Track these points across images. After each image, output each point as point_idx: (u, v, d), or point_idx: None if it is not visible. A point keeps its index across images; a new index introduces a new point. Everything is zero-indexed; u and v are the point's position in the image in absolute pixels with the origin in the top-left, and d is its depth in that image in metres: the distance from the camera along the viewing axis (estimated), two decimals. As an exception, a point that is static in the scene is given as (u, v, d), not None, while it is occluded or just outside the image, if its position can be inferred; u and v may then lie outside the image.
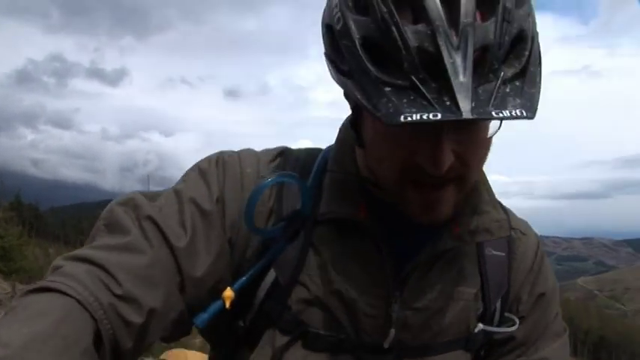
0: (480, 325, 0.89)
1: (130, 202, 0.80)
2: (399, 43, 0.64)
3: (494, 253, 0.91)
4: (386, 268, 0.83)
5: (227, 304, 0.81)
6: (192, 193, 0.83)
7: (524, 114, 0.62)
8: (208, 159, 0.89)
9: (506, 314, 0.93)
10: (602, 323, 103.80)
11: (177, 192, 0.84)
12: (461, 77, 0.62)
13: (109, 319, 0.69)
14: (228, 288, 0.81)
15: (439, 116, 0.61)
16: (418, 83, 0.63)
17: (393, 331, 0.84)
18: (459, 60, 0.62)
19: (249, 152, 0.92)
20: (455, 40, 0.63)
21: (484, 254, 0.91)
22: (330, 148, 0.92)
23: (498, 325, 0.92)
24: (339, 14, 0.70)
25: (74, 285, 0.68)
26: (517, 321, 0.92)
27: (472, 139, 0.74)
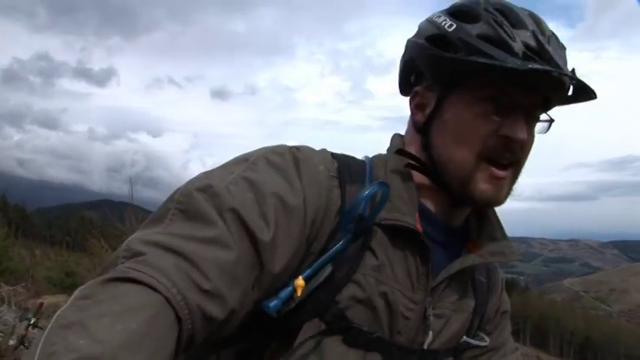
0: (465, 337, 1.01)
1: (209, 190, 0.77)
2: (508, 38, 0.86)
3: (480, 278, 1.05)
4: (429, 276, 0.92)
5: (299, 293, 0.82)
6: (273, 186, 0.82)
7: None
8: (277, 152, 0.88)
9: (479, 332, 1.06)
10: (587, 324, 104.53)
11: (250, 181, 0.81)
12: (558, 60, 0.87)
13: (192, 319, 0.68)
14: (300, 277, 0.83)
15: (557, 71, 0.86)
16: (531, 55, 0.86)
17: (431, 334, 0.93)
18: (554, 53, 0.88)
19: (311, 150, 0.93)
20: (547, 41, 0.88)
21: (475, 278, 1.04)
22: (373, 157, 1.00)
23: (474, 339, 1.04)
24: (449, 22, 0.91)
25: (164, 281, 0.66)
26: (487, 339, 1.05)
27: (532, 131, 0.93)
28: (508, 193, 0.94)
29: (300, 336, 0.86)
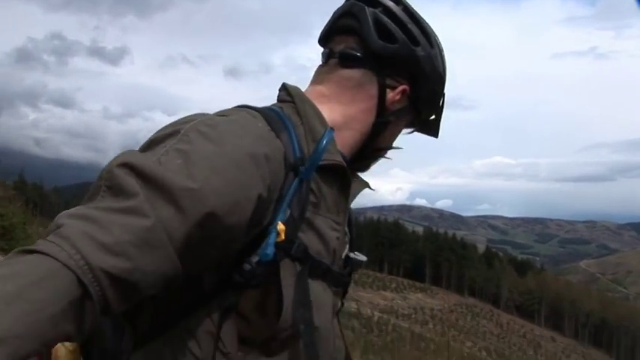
0: (351, 254, 1.14)
1: (130, 164, 0.79)
2: None
3: None
4: (347, 201, 1.06)
5: (282, 236, 0.88)
6: (204, 151, 0.84)
7: None
8: (207, 123, 0.89)
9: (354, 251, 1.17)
10: (603, 306, 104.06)
11: (180, 151, 0.83)
12: None
13: (97, 281, 0.71)
14: (279, 222, 0.89)
15: None
16: None
17: (347, 246, 1.11)
18: None
19: (239, 110, 0.97)
20: None
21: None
22: (275, 105, 1.05)
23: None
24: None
25: (67, 248, 0.70)
26: (364, 256, 1.16)
27: None
28: None
29: (283, 278, 0.91)
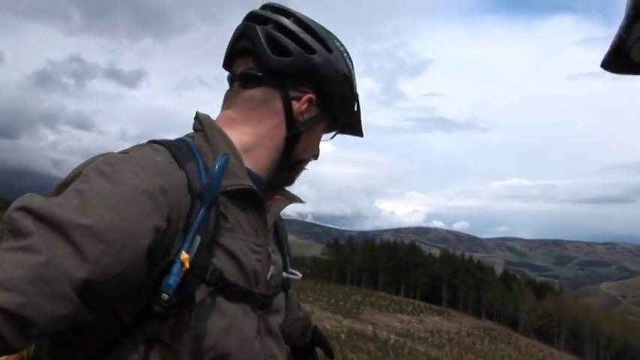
0: (284, 273, 1.16)
1: (27, 207, 0.81)
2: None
3: (278, 221, 1.20)
4: (266, 223, 1.07)
5: (187, 265, 0.89)
6: (100, 189, 0.85)
7: None
8: (107, 162, 0.91)
9: (289, 269, 1.20)
10: (625, 330, 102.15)
11: (78, 191, 0.85)
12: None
13: None
14: (183, 251, 0.90)
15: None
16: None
17: (272, 267, 1.09)
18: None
19: (140, 147, 0.98)
20: None
21: (277, 220, 1.18)
22: (188, 135, 1.09)
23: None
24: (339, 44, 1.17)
25: None
26: (299, 273, 1.21)
27: None
28: None
29: (197, 304, 0.92)
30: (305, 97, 1.09)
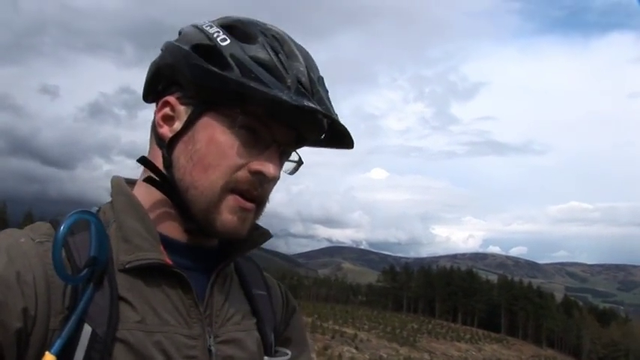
0: (266, 358, 0.94)
1: None
2: (282, 68, 0.82)
3: (259, 292, 1.00)
4: (198, 305, 0.85)
5: None
6: None
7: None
8: None
9: (279, 348, 1.00)
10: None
11: None
12: (327, 102, 0.85)
13: None
14: (47, 353, 0.73)
15: (324, 112, 0.83)
16: (303, 91, 0.82)
17: (278, 349, 0.98)
18: (323, 94, 0.85)
19: (16, 231, 0.83)
20: (317, 81, 0.86)
21: (252, 294, 0.98)
22: (92, 207, 0.89)
23: (275, 356, 0.99)
24: (222, 36, 0.84)
25: None
26: (288, 351, 1.00)
27: (281, 168, 0.89)
28: (250, 226, 0.89)
29: None
30: (160, 103, 0.89)
